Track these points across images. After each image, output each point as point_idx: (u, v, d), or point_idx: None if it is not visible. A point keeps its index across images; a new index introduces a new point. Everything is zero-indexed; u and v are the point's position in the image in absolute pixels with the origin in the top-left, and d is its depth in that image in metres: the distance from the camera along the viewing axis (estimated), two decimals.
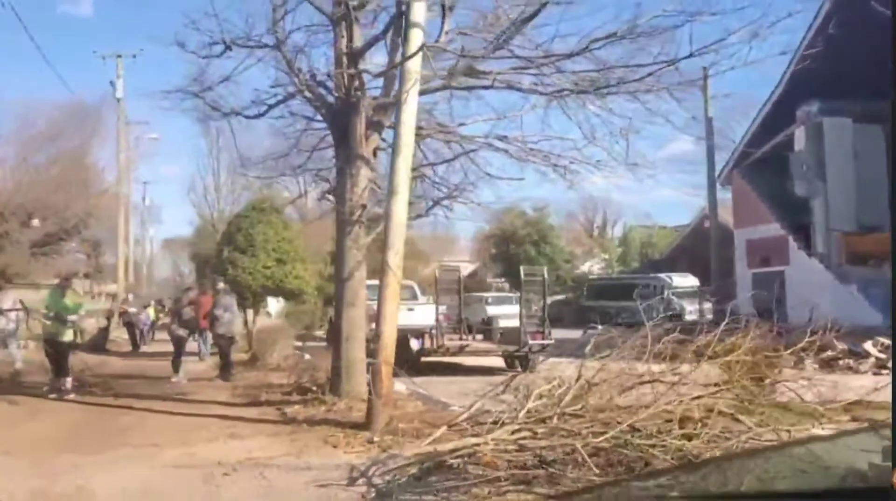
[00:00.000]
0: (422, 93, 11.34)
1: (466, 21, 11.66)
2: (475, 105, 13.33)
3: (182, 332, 16.69)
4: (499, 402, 7.59)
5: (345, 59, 11.22)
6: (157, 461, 8.35)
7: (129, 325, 27.15)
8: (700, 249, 35.80)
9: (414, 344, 17.82)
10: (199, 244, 42.01)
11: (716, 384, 7.42)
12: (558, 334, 18.55)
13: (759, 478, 6.98)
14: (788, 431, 7.00)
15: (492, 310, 35.58)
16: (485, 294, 37.90)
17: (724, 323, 8.18)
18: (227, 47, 12.28)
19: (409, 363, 17.43)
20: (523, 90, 11.31)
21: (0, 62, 57.31)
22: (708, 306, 28.63)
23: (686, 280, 37.23)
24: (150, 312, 31.06)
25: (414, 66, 9.77)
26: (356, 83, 11.15)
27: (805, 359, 18.58)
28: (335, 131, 11.71)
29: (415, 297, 23.19)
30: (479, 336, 20.56)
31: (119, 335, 28.23)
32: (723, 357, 7.56)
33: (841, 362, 17.89)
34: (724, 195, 31.86)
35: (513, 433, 6.32)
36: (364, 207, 11.49)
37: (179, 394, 13.91)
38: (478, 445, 6.13)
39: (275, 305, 36.66)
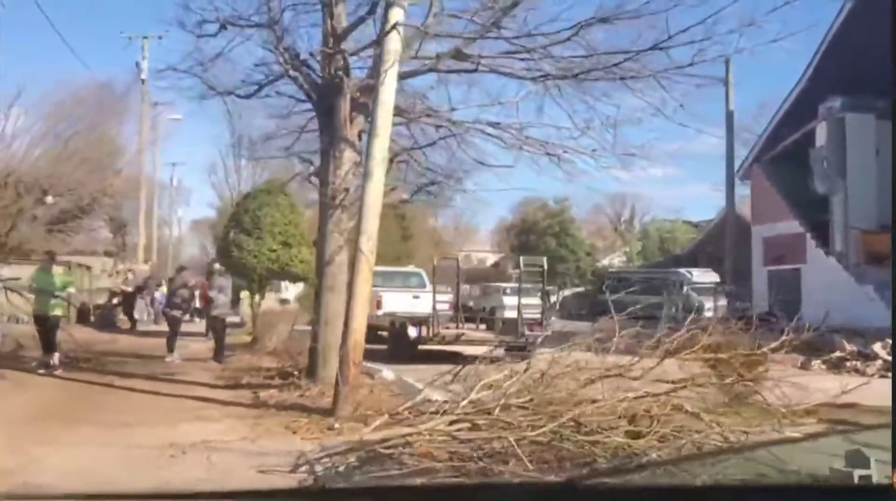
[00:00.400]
0: (408, 75, 11.20)
1: (455, 5, 11.46)
2: (476, 92, 13.13)
3: (176, 312, 16.70)
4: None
5: (331, 40, 11.07)
6: (115, 440, 8.30)
7: (127, 304, 27.08)
8: (723, 245, 35.25)
9: (412, 332, 17.73)
10: (219, 227, 42.24)
11: (673, 382, 7.17)
12: (572, 326, 18.37)
13: (713, 477, 6.67)
14: (746, 432, 6.75)
15: (509, 301, 35.42)
16: (502, 285, 37.74)
17: (688, 319, 7.93)
18: (222, 26, 12.21)
19: (407, 350, 17.47)
20: (508, 75, 11.08)
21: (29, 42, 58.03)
22: (722, 303, 28.18)
23: (707, 276, 36.64)
24: (164, 290, 31.18)
25: (393, 46, 9.57)
26: (340, 63, 10.98)
27: (812, 359, 18.30)
28: (320, 113, 11.56)
29: (423, 285, 22.97)
30: (482, 326, 20.41)
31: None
32: (683, 354, 7.30)
33: (848, 363, 17.46)
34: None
35: (451, 423, 6.14)
36: (347, 190, 11.31)
37: (168, 374, 13.90)
38: (410, 435, 5.95)
39: (290, 289, 36.73)
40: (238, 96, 13.31)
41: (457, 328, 18.00)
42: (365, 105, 11.39)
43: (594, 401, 6.42)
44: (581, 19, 10.40)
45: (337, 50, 10.88)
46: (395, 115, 11.55)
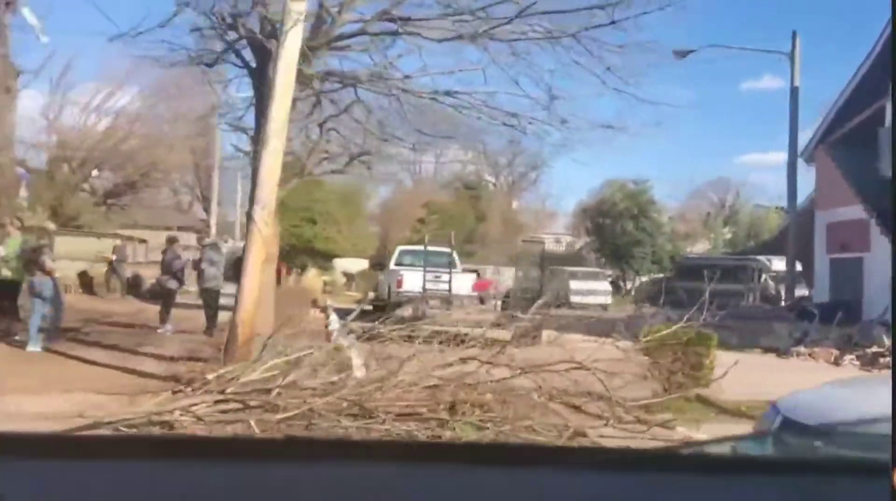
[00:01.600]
0: (338, 38, 10.75)
1: None
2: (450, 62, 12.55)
3: (172, 284, 16.65)
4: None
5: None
6: None
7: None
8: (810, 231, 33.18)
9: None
10: None
11: (516, 368, 6.46)
12: None
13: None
14: (567, 427, 6.00)
15: (576, 285, 34.46)
16: (569, 268, 36.81)
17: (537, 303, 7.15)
18: None
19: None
20: (432, 39, 10.42)
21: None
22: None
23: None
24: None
25: (297, 6, 9.10)
26: (268, 29, 10.57)
27: (845, 354, 16.89)
28: (255, 81, 11.19)
29: (451, 265, 22.33)
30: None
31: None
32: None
33: (882, 359, 15.99)
34: None
35: (216, 403, 5.64)
36: None
37: (141, 345, 13.84)
38: (158, 413, 5.50)
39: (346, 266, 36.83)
40: (207, 65, 13.10)
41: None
42: (299, 72, 10.96)
43: (375, 381, 5.80)
44: None
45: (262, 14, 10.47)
46: (338, 81, 11.11)
